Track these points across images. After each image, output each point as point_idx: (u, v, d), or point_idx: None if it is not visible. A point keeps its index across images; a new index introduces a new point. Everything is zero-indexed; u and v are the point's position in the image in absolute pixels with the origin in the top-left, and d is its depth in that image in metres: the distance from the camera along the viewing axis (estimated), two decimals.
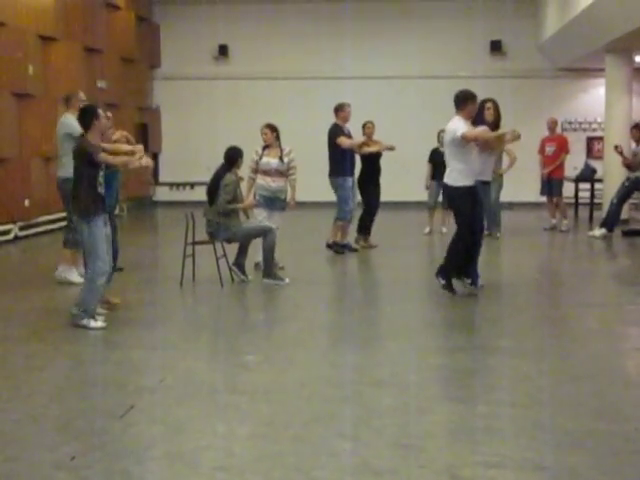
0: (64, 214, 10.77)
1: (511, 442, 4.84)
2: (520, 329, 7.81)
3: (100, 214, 7.59)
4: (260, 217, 10.51)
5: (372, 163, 12.73)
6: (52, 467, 4.45)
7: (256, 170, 10.74)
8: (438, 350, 7.06)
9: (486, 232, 14.18)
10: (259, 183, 10.70)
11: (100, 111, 7.79)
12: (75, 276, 9.79)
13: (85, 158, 7.53)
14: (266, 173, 10.66)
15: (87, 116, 7.69)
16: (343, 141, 12.18)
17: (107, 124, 8.10)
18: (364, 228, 12.91)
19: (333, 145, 12.32)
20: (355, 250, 12.68)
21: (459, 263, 9.03)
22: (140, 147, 8.28)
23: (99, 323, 7.63)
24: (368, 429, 5.03)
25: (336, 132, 12.29)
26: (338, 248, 12.45)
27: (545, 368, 6.44)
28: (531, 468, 4.43)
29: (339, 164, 12.31)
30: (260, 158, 10.69)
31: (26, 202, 14.33)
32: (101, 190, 7.62)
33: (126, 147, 8.38)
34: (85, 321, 7.58)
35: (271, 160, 10.66)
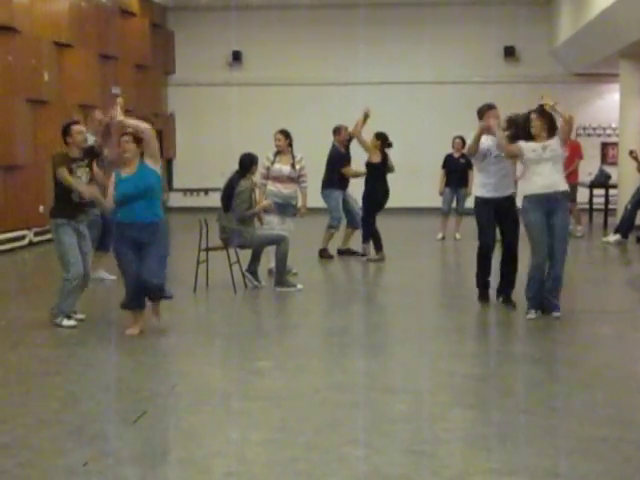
0: None
1: (524, 449, 4.82)
2: (533, 335, 7.79)
3: (68, 220, 7.92)
4: (273, 223, 10.53)
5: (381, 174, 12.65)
6: (65, 472, 4.47)
7: (267, 176, 10.77)
8: (450, 356, 7.05)
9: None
10: (270, 190, 10.74)
11: (74, 128, 8.06)
12: (103, 273, 10.11)
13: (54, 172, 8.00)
14: (277, 179, 10.71)
15: (62, 134, 8.11)
16: (348, 171, 12.71)
17: (80, 139, 8.11)
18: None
19: (329, 163, 12.77)
20: (356, 253, 12.80)
21: (479, 276, 8.93)
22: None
23: (71, 322, 7.94)
24: (380, 435, 5.03)
25: (336, 156, 12.70)
26: (325, 254, 12.70)
27: (558, 374, 6.43)
28: (544, 475, 4.41)
29: (329, 179, 12.69)
30: (272, 164, 10.73)
31: (40, 208, 14.37)
32: (75, 198, 7.93)
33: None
34: (59, 319, 7.91)
35: (283, 167, 10.72)
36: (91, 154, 8.17)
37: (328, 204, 12.77)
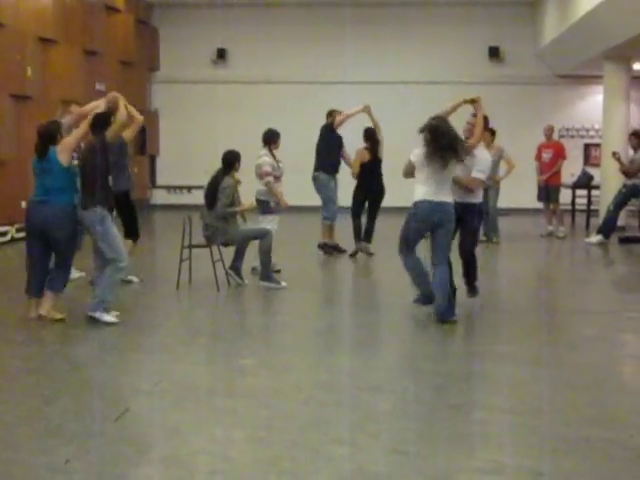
0: None
1: (508, 448, 4.83)
2: (517, 336, 7.80)
3: (108, 211, 7.95)
4: (275, 222, 10.58)
5: (368, 171, 12.66)
6: (47, 470, 4.44)
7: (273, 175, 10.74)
8: (434, 356, 7.05)
9: (484, 238, 14.29)
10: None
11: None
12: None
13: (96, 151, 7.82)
14: (277, 179, 10.74)
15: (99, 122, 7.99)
16: (338, 118, 12.59)
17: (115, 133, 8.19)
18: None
19: (321, 142, 12.73)
20: (344, 251, 12.80)
21: None
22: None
23: (112, 317, 7.83)
24: (364, 434, 5.02)
25: (327, 127, 12.70)
26: (327, 249, 12.64)
27: (542, 375, 6.44)
28: (528, 474, 4.42)
29: (323, 160, 12.62)
30: (277, 164, 10.72)
31: (23, 204, 14.26)
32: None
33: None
34: (98, 314, 7.77)
35: (280, 165, 10.77)
36: None
37: (323, 195, 12.67)
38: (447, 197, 8.10)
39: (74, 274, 10.04)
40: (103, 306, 7.81)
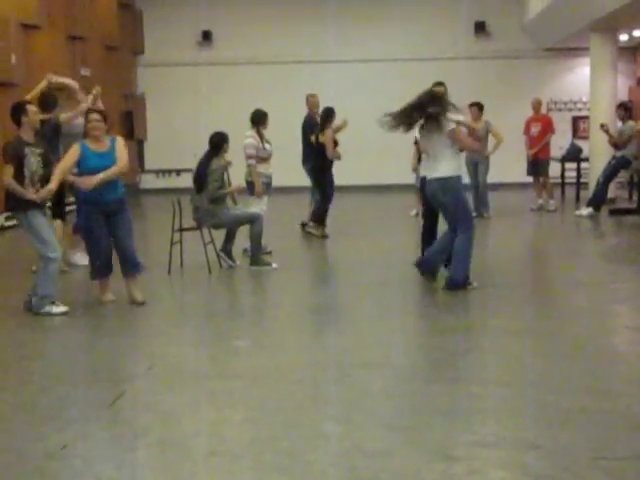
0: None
1: (504, 421, 4.83)
2: (510, 309, 7.80)
3: (35, 208, 7.62)
4: (262, 204, 10.54)
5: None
6: (43, 457, 4.42)
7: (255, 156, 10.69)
8: (429, 331, 7.06)
9: (475, 213, 14.29)
10: (259, 171, 10.66)
11: (30, 107, 7.74)
12: (79, 258, 10.05)
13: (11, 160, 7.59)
14: (265, 160, 10.71)
15: (16, 113, 7.70)
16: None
17: (36, 119, 7.81)
18: (323, 218, 12.65)
19: (305, 134, 12.64)
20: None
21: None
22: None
23: (61, 308, 7.68)
24: (360, 411, 5.01)
25: (307, 125, 12.65)
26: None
27: (536, 347, 6.45)
28: (525, 447, 4.42)
29: (308, 149, 12.56)
30: (262, 145, 10.67)
31: None
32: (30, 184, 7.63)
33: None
34: (47, 308, 7.62)
35: (268, 146, 10.73)
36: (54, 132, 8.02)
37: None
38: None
39: (82, 260, 9.87)
40: (48, 301, 7.64)
